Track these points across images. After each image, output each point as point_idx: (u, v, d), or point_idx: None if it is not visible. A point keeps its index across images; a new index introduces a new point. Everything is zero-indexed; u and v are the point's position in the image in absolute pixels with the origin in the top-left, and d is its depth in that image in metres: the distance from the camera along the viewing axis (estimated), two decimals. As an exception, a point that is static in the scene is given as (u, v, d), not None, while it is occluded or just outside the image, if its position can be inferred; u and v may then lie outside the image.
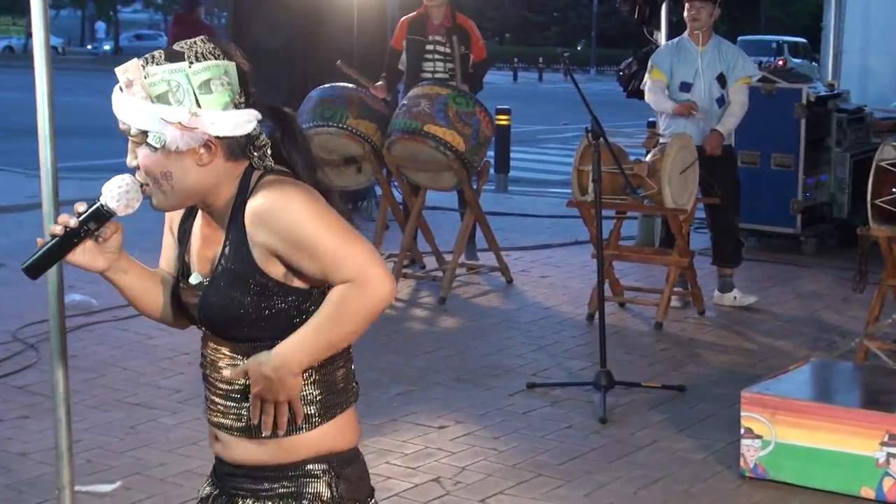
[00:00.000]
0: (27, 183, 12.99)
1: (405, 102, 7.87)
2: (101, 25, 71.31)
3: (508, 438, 5.43)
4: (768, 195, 9.45)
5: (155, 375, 6.25)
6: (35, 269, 2.32)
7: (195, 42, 2.26)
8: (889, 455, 4.69)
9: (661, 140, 7.57)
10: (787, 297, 8.31)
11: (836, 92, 10.16)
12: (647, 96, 7.89)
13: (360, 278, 2.20)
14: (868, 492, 4.75)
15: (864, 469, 4.74)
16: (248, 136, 2.29)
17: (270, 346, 2.27)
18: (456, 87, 7.98)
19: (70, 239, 2.29)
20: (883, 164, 6.31)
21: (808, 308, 7.99)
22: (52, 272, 4.00)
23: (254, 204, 2.24)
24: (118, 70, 2.25)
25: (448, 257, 8.26)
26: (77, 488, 4.35)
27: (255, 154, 2.30)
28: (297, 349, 2.23)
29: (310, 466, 2.35)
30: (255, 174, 2.31)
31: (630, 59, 10.12)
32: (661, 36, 9.30)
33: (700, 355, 6.89)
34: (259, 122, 2.31)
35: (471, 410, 5.82)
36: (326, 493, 2.34)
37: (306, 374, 2.31)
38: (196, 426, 5.49)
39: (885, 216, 6.27)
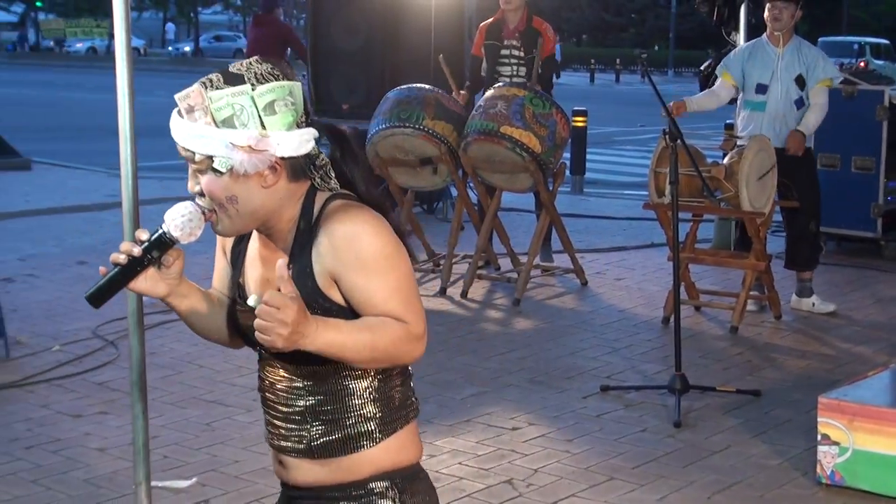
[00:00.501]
0: (108, 182, 13.20)
1: (482, 104, 7.88)
2: (170, 27, 72.13)
3: (581, 441, 5.41)
4: (848, 199, 9.34)
5: (231, 373, 6.32)
6: (98, 298, 2.28)
7: (251, 63, 2.24)
8: (970, 464, 4.61)
9: (739, 142, 7.50)
10: (867, 301, 8.20)
11: (919, 94, 10.00)
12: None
13: (416, 330, 2.23)
14: (948, 501, 4.67)
15: (944, 478, 4.66)
16: (308, 155, 2.28)
17: (329, 368, 2.29)
18: (533, 89, 7.97)
19: (133, 267, 2.28)
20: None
21: (888, 313, 7.87)
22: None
23: (327, 230, 2.23)
24: (178, 97, 2.23)
25: (523, 259, 8.25)
26: (153, 484, 4.40)
27: (317, 174, 2.30)
28: (328, 339, 2.16)
29: (373, 485, 2.34)
30: (320, 197, 2.29)
31: (709, 61, 10.04)
32: (740, 37, 9.21)
33: (776, 360, 6.82)
34: (316, 141, 2.29)
35: (544, 412, 5.81)
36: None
37: (365, 392, 2.32)
38: (271, 424, 5.54)
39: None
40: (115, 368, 6.32)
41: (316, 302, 2.24)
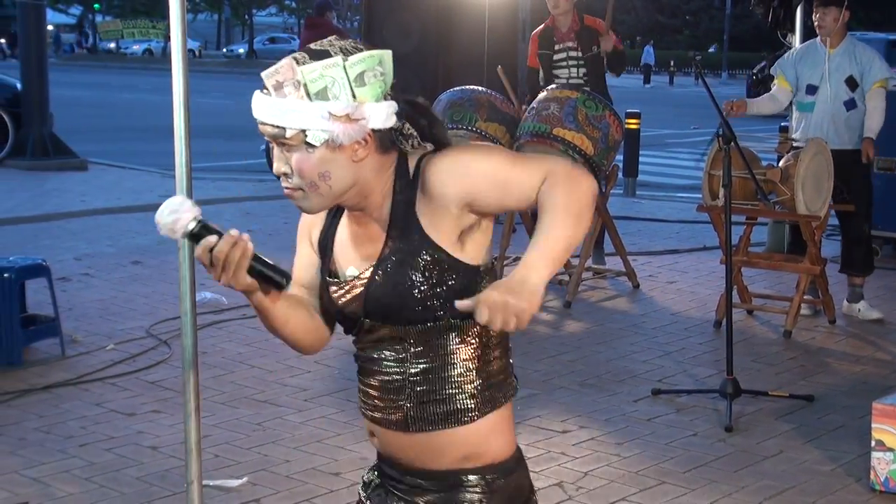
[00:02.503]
0: (162, 182, 13.32)
1: (534, 106, 7.86)
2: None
3: (632, 445, 5.39)
4: (905, 202, 9.23)
5: (282, 373, 6.35)
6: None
7: (331, 41, 2.22)
8: None
9: (795, 145, 7.44)
10: (923, 307, 8.11)
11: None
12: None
13: (560, 172, 2.16)
14: None
15: None
16: (392, 128, 2.24)
17: (438, 327, 2.25)
18: (586, 91, 7.94)
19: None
20: None
21: (945, 319, 7.78)
22: (184, 270, 4.09)
23: (434, 168, 2.22)
24: (265, 74, 2.18)
25: (574, 261, 8.23)
26: (205, 482, 4.43)
27: (407, 143, 2.27)
28: (539, 266, 2.09)
29: (466, 477, 2.31)
30: (412, 160, 2.27)
31: (763, 64, 9.98)
32: (796, 39, 9.14)
33: (830, 365, 6.75)
34: (396, 114, 2.25)
35: (595, 415, 5.79)
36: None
37: (466, 364, 2.28)
38: (322, 424, 5.56)
39: None
40: (167, 368, 6.37)
41: (423, 256, 2.22)
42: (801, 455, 5.29)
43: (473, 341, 2.29)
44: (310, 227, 2.44)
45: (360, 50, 2.20)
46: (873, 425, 4.88)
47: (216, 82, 35.08)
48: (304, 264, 2.45)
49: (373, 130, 2.21)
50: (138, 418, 5.64)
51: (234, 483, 4.85)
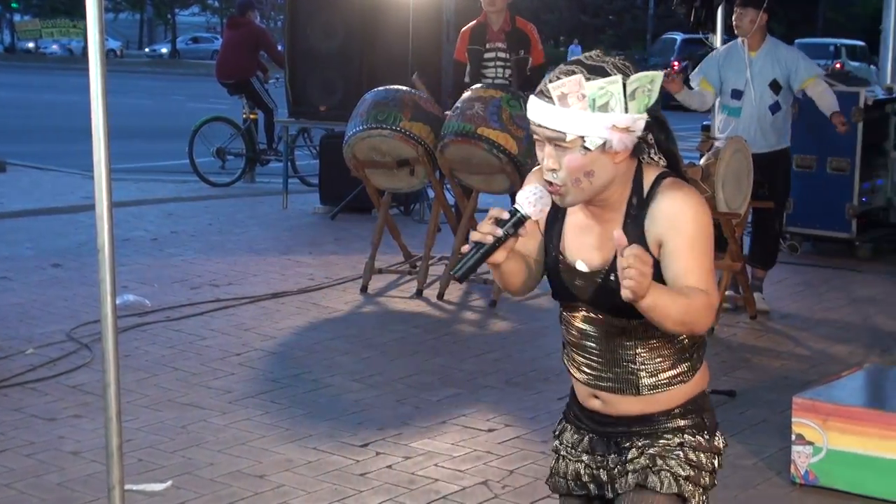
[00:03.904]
0: (83, 184, 13.13)
1: (459, 105, 7.87)
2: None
3: (557, 442, 5.41)
4: (824, 199, 9.39)
5: (206, 376, 6.30)
6: (466, 275, 2.63)
7: (601, 56, 2.59)
8: (943, 463, 4.63)
9: (716, 143, 7.52)
10: (842, 302, 8.24)
11: (894, 95, 10.06)
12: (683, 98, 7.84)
13: (714, 302, 2.59)
14: (921, 500, 4.69)
15: (918, 477, 4.68)
16: (641, 137, 2.62)
17: (642, 322, 2.64)
18: (510, 90, 7.97)
19: (496, 245, 2.60)
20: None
21: (863, 313, 7.91)
22: (104, 272, 4.04)
23: (663, 201, 2.62)
24: (551, 86, 2.54)
25: (499, 260, 8.24)
26: (127, 487, 4.39)
27: (650, 151, 2.68)
28: (657, 298, 2.47)
29: (686, 407, 2.78)
30: (648, 174, 2.66)
31: (685, 64, 10.06)
32: (717, 39, 9.24)
33: (751, 360, 6.84)
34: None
35: (520, 414, 5.81)
36: (701, 424, 2.79)
37: (685, 340, 2.74)
38: (246, 426, 5.53)
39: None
40: (89, 371, 6.29)
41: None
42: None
43: None
44: None
45: (630, 69, 2.57)
46: (793, 419, 4.95)
47: (138, 82, 34.68)
48: (530, 236, 2.77)
49: None
50: (59, 423, 5.56)
51: (158, 487, 4.80)
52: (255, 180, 13.93)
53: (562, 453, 2.93)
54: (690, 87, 7.87)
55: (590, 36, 58.95)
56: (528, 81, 8.47)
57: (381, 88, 8.26)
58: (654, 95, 2.60)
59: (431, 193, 9.09)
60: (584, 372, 2.82)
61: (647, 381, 2.75)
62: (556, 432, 2.98)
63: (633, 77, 2.55)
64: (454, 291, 8.20)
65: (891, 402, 5.27)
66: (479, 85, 8.10)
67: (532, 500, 4.76)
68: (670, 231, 2.59)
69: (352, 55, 10.96)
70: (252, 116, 13.58)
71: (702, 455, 2.77)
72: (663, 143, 2.70)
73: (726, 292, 7.49)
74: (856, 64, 32.48)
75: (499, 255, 2.64)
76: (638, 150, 2.64)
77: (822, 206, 9.40)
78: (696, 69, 7.97)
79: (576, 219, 2.76)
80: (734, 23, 7.69)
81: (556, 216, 2.78)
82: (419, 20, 10.68)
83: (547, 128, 2.57)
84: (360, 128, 7.94)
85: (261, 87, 13.42)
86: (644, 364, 2.74)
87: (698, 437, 2.78)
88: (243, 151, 13.62)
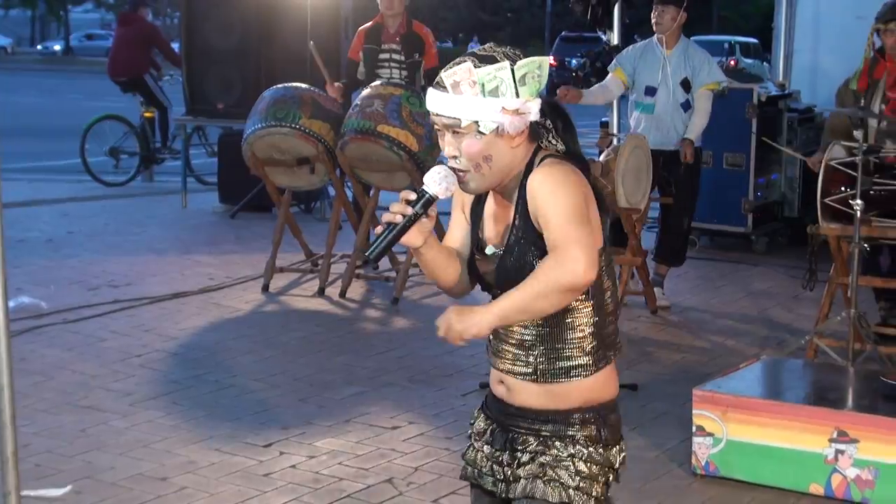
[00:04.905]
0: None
1: (358, 103, 7.84)
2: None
3: (461, 438, 5.40)
4: (720, 194, 9.52)
5: (106, 378, 6.20)
6: (380, 255, 2.73)
7: (493, 47, 2.68)
8: (837, 451, 4.73)
9: (616, 140, 7.59)
10: (739, 295, 8.37)
11: (786, 92, 10.25)
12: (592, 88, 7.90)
13: (561, 251, 2.56)
14: (817, 488, 4.79)
15: (813, 466, 4.78)
16: (537, 121, 2.70)
17: None
18: (409, 88, 7.97)
19: (406, 225, 2.68)
20: (832, 163, 6.37)
21: (759, 306, 8.05)
22: (-2, 274, 3.96)
23: (532, 178, 2.66)
24: (444, 74, 2.65)
25: (401, 258, 8.25)
26: (25, 493, 4.30)
27: (547, 135, 2.74)
28: (492, 311, 2.61)
29: (579, 413, 2.76)
30: (539, 155, 2.71)
31: (583, 60, 10.13)
32: (614, 37, 9.32)
33: (652, 354, 6.92)
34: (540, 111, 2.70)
35: (424, 411, 5.81)
36: (596, 437, 2.76)
37: (585, 327, 2.73)
38: (148, 429, 5.46)
39: (834, 215, 6.33)
40: (-16, 375, 6.14)
41: (536, 243, 2.67)
42: (626, 442, 5.39)
43: (588, 310, 2.73)
44: (463, 197, 2.88)
45: (520, 56, 2.66)
46: (694, 411, 5.02)
47: (30, 80, 34.03)
48: (455, 228, 2.92)
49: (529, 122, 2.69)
50: (-47, 429, 5.43)
51: (57, 492, 4.71)
52: (153, 179, 13.75)
53: (472, 442, 2.97)
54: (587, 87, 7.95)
55: (488, 33, 59.18)
56: (423, 90, 8.45)
57: (280, 86, 8.20)
58: (545, 80, 2.69)
59: (332, 191, 9.05)
60: (495, 355, 2.86)
61: (544, 366, 2.75)
62: (472, 420, 3.02)
63: (521, 62, 2.64)
64: (356, 290, 8.18)
65: (787, 393, 5.38)
66: (378, 82, 8.08)
67: (437, 497, 4.77)
68: (539, 208, 2.64)
69: (249, 52, 10.87)
70: (148, 114, 13.40)
71: (594, 467, 2.76)
72: (560, 129, 2.76)
73: (627, 287, 7.57)
74: (749, 61, 33.00)
75: (414, 238, 2.72)
76: (535, 135, 2.72)
77: (719, 201, 9.54)
78: (613, 61, 8.02)
79: (489, 207, 2.83)
80: (654, 20, 7.76)
81: (478, 205, 2.86)
82: (317, 18, 10.62)
83: (443, 115, 2.67)
84: (260, 126, 7.88)
85: (154, 84, 13.24)
86: (541, 347, 2.75)
87: (590, 449, 2.76)
88: (137, 150, 13.43)
